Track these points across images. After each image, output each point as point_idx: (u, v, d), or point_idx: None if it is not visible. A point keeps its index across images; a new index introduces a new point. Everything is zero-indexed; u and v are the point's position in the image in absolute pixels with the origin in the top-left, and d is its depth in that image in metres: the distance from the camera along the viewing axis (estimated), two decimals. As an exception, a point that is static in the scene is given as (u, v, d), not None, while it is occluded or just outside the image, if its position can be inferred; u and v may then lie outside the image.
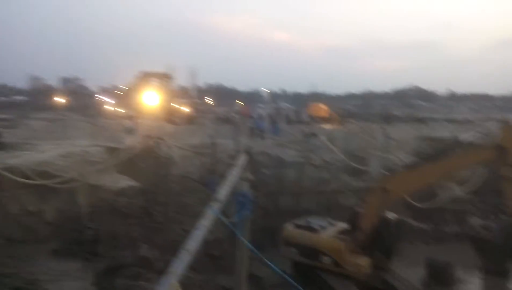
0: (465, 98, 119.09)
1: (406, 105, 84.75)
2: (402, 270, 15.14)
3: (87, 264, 15.05)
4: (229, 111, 50.05)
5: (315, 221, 15.65)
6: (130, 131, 27.38)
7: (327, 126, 34.46)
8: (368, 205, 13.88)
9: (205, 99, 66.98)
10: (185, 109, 40.84)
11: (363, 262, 13.77)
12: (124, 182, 20.42)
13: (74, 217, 17.48)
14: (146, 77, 41.21)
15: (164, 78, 41.34)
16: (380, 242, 13.88)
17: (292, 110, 43.35)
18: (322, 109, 40.70)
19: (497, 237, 14.57)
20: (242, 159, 8.50)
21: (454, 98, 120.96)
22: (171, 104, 40.23)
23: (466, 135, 32.37)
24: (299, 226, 15.58)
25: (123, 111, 37.55)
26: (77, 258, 15.61)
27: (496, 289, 14.35)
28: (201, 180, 23.85)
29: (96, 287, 12.73)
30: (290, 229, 15.96)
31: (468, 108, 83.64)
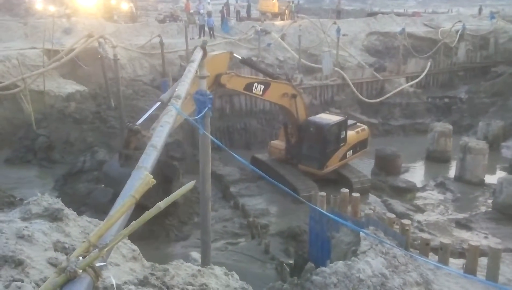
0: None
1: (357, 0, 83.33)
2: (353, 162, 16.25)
3: (45, 171, 14.84)
4: (173, 7, 46.54)
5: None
6: (67, 30, 25.21)
7: (278, 22, 33.31)
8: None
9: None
10: (125, 5, 37.64)
11: (279, 146, 15.92)
12: (71, 86, 19.38)
13: (23, 125, 16.74)
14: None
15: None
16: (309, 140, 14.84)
17: (242, 6, 41.02)
18: (273, 4, 38.79)
19: None
20: (197, 56, 7.66)
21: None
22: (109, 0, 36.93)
23: (414, 28, 32.93)
24: None
25: (56, 9, 34.03)
26: (32, 165, 15.31)
27: None
28: (153, 83, 23.12)
29: (58, 193, 12.68)
30: None
31: (416, 1, 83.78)
